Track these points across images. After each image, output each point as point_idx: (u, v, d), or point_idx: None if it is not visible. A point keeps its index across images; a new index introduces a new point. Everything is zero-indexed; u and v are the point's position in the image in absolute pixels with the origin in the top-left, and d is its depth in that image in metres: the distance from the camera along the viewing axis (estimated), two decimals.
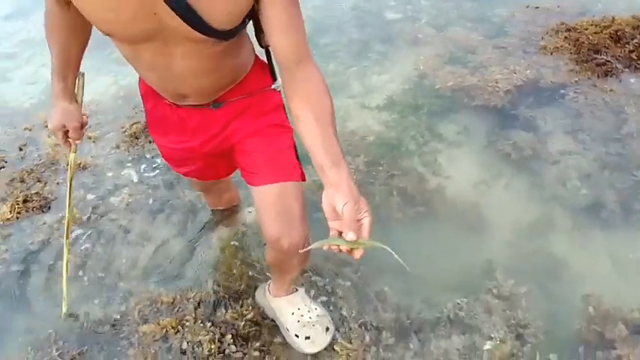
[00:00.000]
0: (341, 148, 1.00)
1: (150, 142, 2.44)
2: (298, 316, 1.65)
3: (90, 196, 2.22)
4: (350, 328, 1.70)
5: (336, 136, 1.01)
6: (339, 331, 1.69)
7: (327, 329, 1.65)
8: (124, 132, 2.50)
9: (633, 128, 2.29)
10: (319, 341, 1.63)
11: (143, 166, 2.35)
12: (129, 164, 2.36)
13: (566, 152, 2.26)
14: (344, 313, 1.75)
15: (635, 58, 2.63)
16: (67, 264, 1.71)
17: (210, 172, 1.61)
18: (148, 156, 2.39)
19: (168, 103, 1.33)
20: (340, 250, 0.92)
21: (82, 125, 1.41)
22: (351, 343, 1.65)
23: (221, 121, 1.36)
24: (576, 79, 2.61)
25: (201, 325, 1.71)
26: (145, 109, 1.45)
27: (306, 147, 1.02)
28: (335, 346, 1.64)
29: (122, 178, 2.30)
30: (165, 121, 1.40)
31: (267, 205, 1.35)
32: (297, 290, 1.69)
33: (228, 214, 2.09)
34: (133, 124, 2.52)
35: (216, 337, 1.67)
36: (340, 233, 0.93)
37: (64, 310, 1.75)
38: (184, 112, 1.34)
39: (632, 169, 2.14)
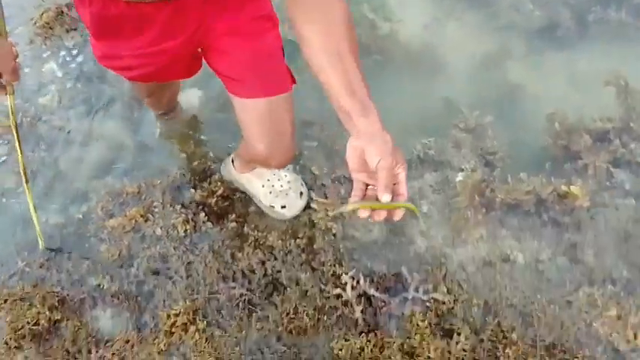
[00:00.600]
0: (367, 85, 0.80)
1: (67, 30, 2.16)
2: (269, 187, 1.60)
3: (15, 102, 1.99)
4: (323, 184, 1.68)
5: (362, 72, 0.80)
6: (312, 190, 1.66)
7: (301, 193, 1.62)
8: (35, 24, 2.18)
9: None
10: (295, 207, 1.60)
11: (66, 58, 2.09)
12: (49, 58, 2.09)
13: None
14: (315, 172, 1.71)
15: None
16: (34, 206, 1.52)
17: (167, 74, 1.27)
18: (68, 44, 2.12)
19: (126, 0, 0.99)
20: (372, 217, 0.76)
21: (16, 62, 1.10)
22: (326, 198, 1.64)
23: (196, 14, 1.05)
24: None
25: (172, 208, 1.63)
26: (87, 15, 1.06)
27: (322, 83, 0.81)
28: (312, 204, 1.62)
29: (45, 75, 2.05)
30: (121, 25, 1.05)
31: (255, 121, 1.20)
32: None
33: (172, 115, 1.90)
34: (42, 13, 2.20)
35: (190, 217, 1.61)
36: (367, 186, 0.79)
37: (41, 245, 1.61)
38: (150, 7, 1.00)
39: None
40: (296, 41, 0.84)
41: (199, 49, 1.18)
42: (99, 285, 1.52)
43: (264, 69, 1.15)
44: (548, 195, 1.58)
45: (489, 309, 1.43)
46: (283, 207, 1.59)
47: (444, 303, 1.41)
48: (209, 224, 1.61)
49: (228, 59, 1.14)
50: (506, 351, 1.33)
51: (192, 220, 1.61)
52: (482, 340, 1.36)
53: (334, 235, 1.57)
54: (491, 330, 1.37)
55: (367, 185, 0.79)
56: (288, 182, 1.61)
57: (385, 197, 0.73)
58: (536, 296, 1.44)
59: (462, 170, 1.68)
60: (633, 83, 1.79)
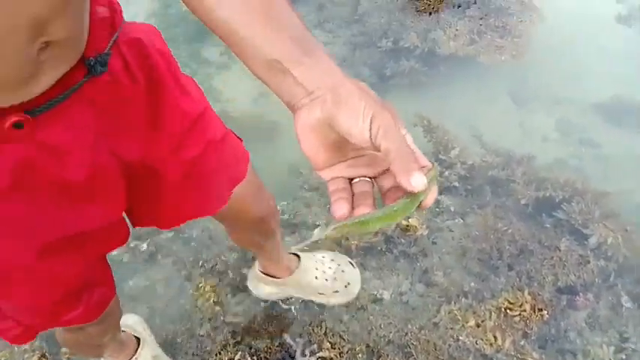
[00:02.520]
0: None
1: None
2: (322, 276, 1.52)
3: None
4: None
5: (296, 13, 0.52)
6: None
7: (352, 264, 1.60)
8: None
9: (366, 7, 2.54)
10: (357, 278, 1.58)
11: None
12: None
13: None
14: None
15: None
16: None
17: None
18: None
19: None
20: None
21: None
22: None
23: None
24: None
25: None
26: None
27: (243, 42, 0.50)
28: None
29: None
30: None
31: (240, 209, 1.02)
32: (298, 256, 1.52)
33: None
34: None
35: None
36: (350, 182, 0.51)
37: None
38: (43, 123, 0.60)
39: (376, 42, 2.41)
40: None
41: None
42: None
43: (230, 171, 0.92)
44: (393, 232, 1.75)
45: (372, 351, 1.51)
46: (347, 285, 1.55)
47: (331, 359, 1.46)
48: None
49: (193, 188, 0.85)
50: None
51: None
52: None
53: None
54: None
55: (351, 180, 0.51)
56: (332, 260, 1.58)
57: (419, 180, 0.44)
58: (407, 327, 1.57)
59: (318, 226, 1.79)
60: (434, 120, 2.11)
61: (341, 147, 0.49)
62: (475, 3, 2.48)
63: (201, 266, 1.67)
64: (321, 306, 1.59)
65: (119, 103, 0.67)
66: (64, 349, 1.48)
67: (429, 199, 0.49)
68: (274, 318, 1.56)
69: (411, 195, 0.46)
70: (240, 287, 1.62)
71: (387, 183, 0.50)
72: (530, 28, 2.42)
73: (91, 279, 0.85)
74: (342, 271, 1.58)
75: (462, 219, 1.85)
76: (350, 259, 1.63)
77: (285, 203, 1.83)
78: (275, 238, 1.30)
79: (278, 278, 1.49)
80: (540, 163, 2.05)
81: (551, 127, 2.23)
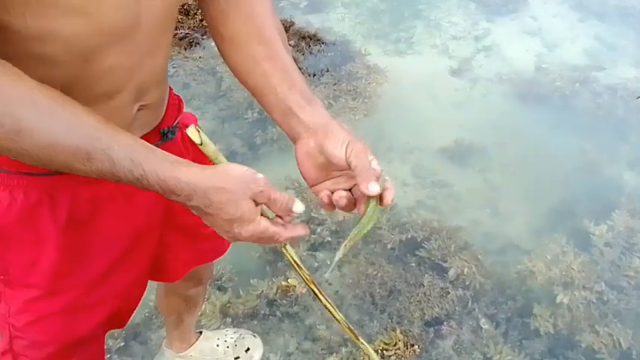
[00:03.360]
0: None
1: None
2: (223, 344, 1.60)
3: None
4: None
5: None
6: None
7: (252, 334, 1.69)
8: None
9: (229, 83, 2.69)
10: (259, 345, 1.66)
11: None
12: None
13: None
14: None
15: (206, 25, 3.03)
16: None
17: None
18: None
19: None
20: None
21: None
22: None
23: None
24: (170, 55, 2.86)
25: None
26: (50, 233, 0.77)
27: (254, 83, 0.74)
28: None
29: None
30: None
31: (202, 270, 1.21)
32: (200, 332, 1.60)
33: None
34: None
35: None
36: (332, 195, 0.70)
37: None
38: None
39: (242, 114, 2.55)
40: None
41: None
42: None
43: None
44: (274, 295, 1.84)
45: None
46: (248, 350, 1.62)
47: None
48: None
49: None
50: None
51: None
52: None
53: None
54: None
55: (332, 193, 0.71)
56: (234, 331, 1.67)
57: (374, 187, 0.64)
58: None
59: (206, 300, 1.82)
60: (303, 183, 2.27)
61: (327, 168, 0.70)
62: (328, 71, 2.75)
63: None
64: None
65: None
66: None
67: (387, 198, 0.68)
68: None
69: (371, 198, 0.68)
70: None
71: (357, 192, 0.71)
72: (377, 89, 2.73)
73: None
74: (243, 337, 1.66)
75: (339, 270, 1.99)
76: (250, 331, 1.71)
77: None
78: (197, 308, 1.45)
79: (181, 353, 1.55)
80: (402, 208, 2.28)
81: (408, 174, 2.50)
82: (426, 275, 1.96)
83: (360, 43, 3.06)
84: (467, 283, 1.95)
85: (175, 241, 0.99)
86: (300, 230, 0.70)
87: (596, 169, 2.52)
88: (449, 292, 1.90)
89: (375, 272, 1.95)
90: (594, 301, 1.92)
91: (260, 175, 0.66)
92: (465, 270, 1.98)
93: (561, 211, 2.31)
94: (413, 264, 2.02)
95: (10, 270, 0.80)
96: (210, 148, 0.68)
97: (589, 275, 1.99)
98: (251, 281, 1.88)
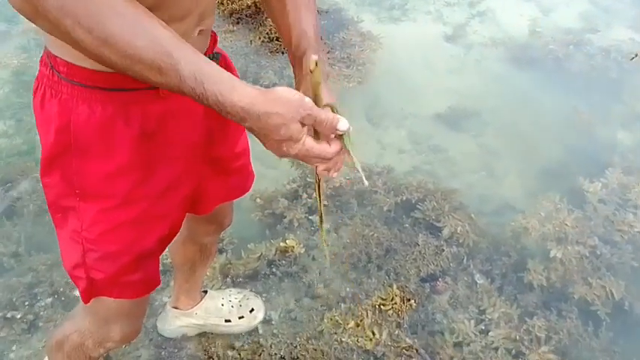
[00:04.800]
0: None
1: None
2: (228, 302, 1.64)
3: None
4: None
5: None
6: None
7: (254, 295, 1.72)
8: None
9: None
10: (261, 306, 1.70)
11: None
12: None
13: None
14: None
15: None
16: None
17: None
18: None
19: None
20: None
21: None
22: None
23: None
24: None
25: None
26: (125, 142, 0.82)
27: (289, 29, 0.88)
28: None
29: None
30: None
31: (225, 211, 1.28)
32: (205, 292, 1.63)
33: None
34: None
35: None
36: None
37: None
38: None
39: None
40: None
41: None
42: None
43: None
44: (273, 256, 1.88)
45: None
46: (252, 310, 1.66)
47: None
48: None
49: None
50: None
51: None
52: None
53: None
54: None
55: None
56: (237, 292, 1.71)
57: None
58: (296, 340, 1.68)
59: None
60: None
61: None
62: (321, 39, 2.74)
63: None
64: (212, 340, 1.65)
65: None
66: None
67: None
68: (166, 358, 1.59)
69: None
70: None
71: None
72: (371, 56, 2.73)
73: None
74: (247, 298, 1.70)
75: (335, 232, 2.02)
76: (253, 292, 1.75)
77: None
78: (210, 260, 1.49)
79: (187, 310, 1.58)
80: (398, 172, 2.31)
81: (404, 140, 2.52)
82: (421, 235, 2.00)
83: (353, 10, 3.05)
84: (461, 241, 1.99)
85: (208, 173, 1.05)
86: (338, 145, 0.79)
87: (590, 129, 2.54)
88: (443, 250, 1.94)
89: (371, 233, 1.98)
90: (587, 255, 1.95)
91: (307, 99, 0.72)
92: (459, 229, 2.02)
93: (555, 170, 2.34)
94: (408, 225, 2.05)
95: (86, 182, 0.85)
96: (317, 78, 0.76)
97: (582, 230, 2.03)
98: (249, 245, 1.91)
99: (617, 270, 1.92)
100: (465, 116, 2.63)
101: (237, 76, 0.74)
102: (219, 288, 1.75)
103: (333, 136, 0.78)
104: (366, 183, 0.91)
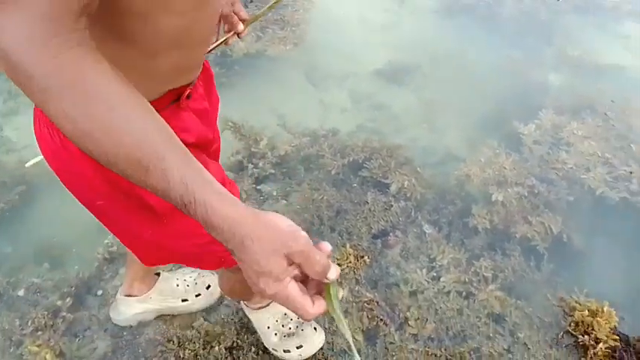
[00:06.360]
0: None
1: None
2: (183, 283, 1.60)
3: None
4: None
5: None
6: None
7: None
8: None
9: None
10: (215, 281, 1.61)
11: None
12: None
13: None
14: None
15: None
16: None
17: None
18: None
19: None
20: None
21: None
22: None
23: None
24: None
25: None
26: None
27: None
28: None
29: None
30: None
31: None
32: (158, 274, 1.59)
33: None
34: None
35: None
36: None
37: None
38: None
39: None
40: None
41: None
42: None
43: None
44: None
45: (231, 349, 1.62)
46: (208, 287, 1.60)
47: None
48: None
49: None
50: None
51: None
52: None
53: None
54: None
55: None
56: (192, 270, 1.65)
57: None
58: None
59: None
60: (239, 119, 2.25)
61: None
62: (252, 1, 2.67)
63: (30, 325, 1.60)
64: (169, 322, 1.64)
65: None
66: None
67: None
68: (124, 347, 1.58)
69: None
70: (78, 330, 1.60)
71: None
72: (305, 16, 2.69)
73: None
74: (202, 276, 1.66)
75: (285, 199, 2.03)
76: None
77: (110, 237, 1.82)
78: None
79: (142, 296, 1.56)
80: (343, 134, 2.32)
81: (346, 99, 2.52)
82: (369, 193, 2.03)
83: None
84: (408, 195, 2.04)
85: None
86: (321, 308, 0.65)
87: (524, 74, 2.62)
88: (392, 206, 1.99)
89: (320, 197, 2.00)
90: (526, 195, 2.05)
91: (303, 233, 0.62)
92: (406, 183, 2.06)
93: (493, 117, 2.41)
94: (356, 184, 2.08)
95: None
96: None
97: (520, 172, 2.12)
98: None
99: (554, 206, 2.03)
100: (404, 71, 2.65)
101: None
102: (171, 270, 1.73)
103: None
104: (358, 358, 0.70)
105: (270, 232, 0.60)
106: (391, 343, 1.61)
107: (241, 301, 1.57)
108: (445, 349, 1.61)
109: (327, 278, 0.63)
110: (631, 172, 2.13)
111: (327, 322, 1.64)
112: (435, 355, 1.59)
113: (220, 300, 1.67)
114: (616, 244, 1.94)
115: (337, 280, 0.65)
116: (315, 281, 0.65)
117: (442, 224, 1.97)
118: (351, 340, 0.66)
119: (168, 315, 1.63)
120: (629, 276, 1.86)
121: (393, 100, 2.50)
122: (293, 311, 0.64)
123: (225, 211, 0.59)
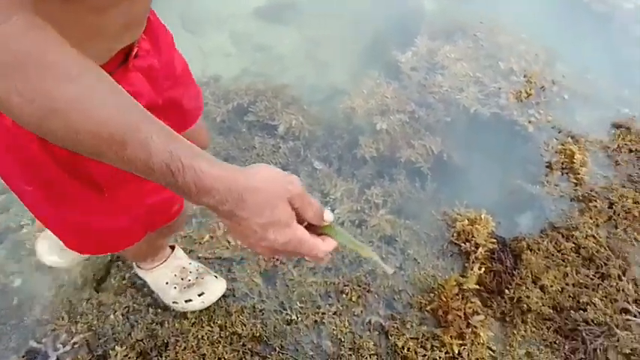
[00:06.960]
0: None
1: None
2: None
3: None
4: None
5: None
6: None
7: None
8: None
9: None
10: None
11: None
12: None
13: None
14: None
15: None
16: None
17: None
18: None
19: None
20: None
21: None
22: None
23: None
24: None
25: None
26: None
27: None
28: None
29: None
30: None
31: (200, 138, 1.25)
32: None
33: None
34: None
35: None
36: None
37: None
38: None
39: None
40: None
41: None
42: None
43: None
44: None
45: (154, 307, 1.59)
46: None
47: None
48: None
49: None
50: None
51: None
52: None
53: None
54: None
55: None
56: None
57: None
58: None
59: None
60: None
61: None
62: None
63: None
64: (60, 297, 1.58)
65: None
66: None
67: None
68: (10, 332, 1.50)
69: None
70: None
71: None
72: None
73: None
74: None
75: None
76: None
77: None
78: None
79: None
80: (227, 79, 2.25)
81: (227, 43, 2.44)
82: (257, 137, 2.02)
83: None
84: (297, 134, 2.05)
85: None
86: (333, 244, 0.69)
87: (400, 2, 2.66)
88: (280, 147, 1.99)
89: (210, 146, 1.96)
90: (408, 120, 2.14)
91: (295, 177, 0.62)
92: (294, 122, 2.07)
93: (373, 48, 2.45)
94: (244, 130, 2.05)
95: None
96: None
97: (400, 100, 2.20)
98: None
99: (433, 128, 2.14)
100: (284, 7, 2.60)
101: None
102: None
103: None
104: (390, 271, 0.76)
105: (267, 181, 0.60)
106: (290, 279, 1.66)
107: (135, 265, 1.53)
108: (343, 277, 1.69)
109: (324, 220, 0.67)
110: (500, 88, 2.28)
111: (225, 270, 1.65)
112: (334, 284, 1.67)
113: (108, 270, 1.62)
114: (490, 156, 2.11)
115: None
116: (313, 227, 0.67)
117: (332, 159, 2.01)
118: (378, 258, 0.71)
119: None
120: (503, 184, 2.04)
121: (276, 40, 2.46)
122: (307, 254, 0.65)
123: (216, 171, 0.57)
